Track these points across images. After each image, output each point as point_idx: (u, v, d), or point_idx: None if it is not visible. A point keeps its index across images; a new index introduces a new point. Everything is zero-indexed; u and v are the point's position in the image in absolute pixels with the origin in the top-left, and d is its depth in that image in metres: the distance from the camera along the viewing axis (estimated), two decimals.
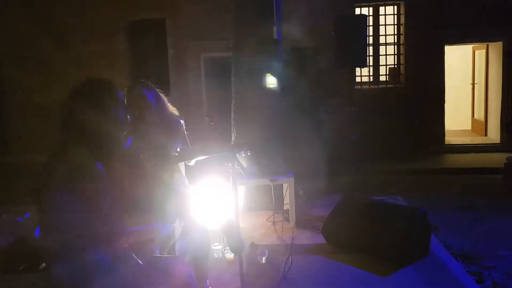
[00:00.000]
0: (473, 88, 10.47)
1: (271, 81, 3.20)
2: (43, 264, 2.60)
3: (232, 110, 5.29)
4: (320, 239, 4.23)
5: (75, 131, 2.06)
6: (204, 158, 3.28)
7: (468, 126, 10.76)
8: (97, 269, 2.08)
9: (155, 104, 3.22)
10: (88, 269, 2.06)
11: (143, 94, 3.19)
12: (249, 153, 4.59)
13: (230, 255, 3.84)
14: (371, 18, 8.80)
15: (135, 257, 2.27)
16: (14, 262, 2.93)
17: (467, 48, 10.44)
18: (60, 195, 1.99)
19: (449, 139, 9.37)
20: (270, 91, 5.08)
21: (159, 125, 3.20)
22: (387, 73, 9.14)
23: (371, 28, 8.76)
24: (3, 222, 5.19)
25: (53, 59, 8.89)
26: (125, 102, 3.13)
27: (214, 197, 4.28)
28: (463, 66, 10.79)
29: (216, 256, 3.86)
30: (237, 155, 2.93)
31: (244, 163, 4.29)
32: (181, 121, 3.42)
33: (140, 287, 2.20)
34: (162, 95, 3.31)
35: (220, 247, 3.92)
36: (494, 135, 9.37)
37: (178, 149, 3.36)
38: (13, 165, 8.24)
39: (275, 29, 4.93)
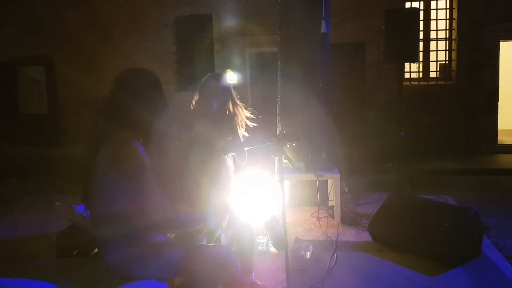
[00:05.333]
0: None
1: (231, 78, 3.18)
2: (96, 249, 2.69)
3: (277, 105, 5.27)
4: (366, 237, 4.16)
5: (114, 118, 2.14)
6: (250, 150, 3.28)
7: None
8: (147, 256, 2.13)
9: (216, 99, 3.25)
10: (138, 255, 2.12)
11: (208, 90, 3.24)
12: (294, 144, 4.58)
13: (274, 249, 3.84)
14: (421, 12, 8.54)
15: (183, 245, 2.31)
16: (68, 247, 3.05)
17: None
18: (107, 180, 2.06)
19: (502, 138, 8.97)
20: (317, 87, 5.03)
21: (212, 119, 3.22)
22: (438, 70, 8.86)
23: (421, 22, 8.50)
24: (57, 209, 5.45)
25: (101, 54, 9.17)
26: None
27: (258, 191, 4.28)
28: None
29: (261, 249, 3.87)
30: (284, 148, 2.91)
31: (290, 156, 4.28)
32: (234, 116, 3.43)
33: (186, 273, 2.25)
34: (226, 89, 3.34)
35: (264, 240, 3.92)
36: None
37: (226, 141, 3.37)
38: (65, 156, 8.57)
39: (323, 23, 4.87)
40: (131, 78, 2.21)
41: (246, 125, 3.44)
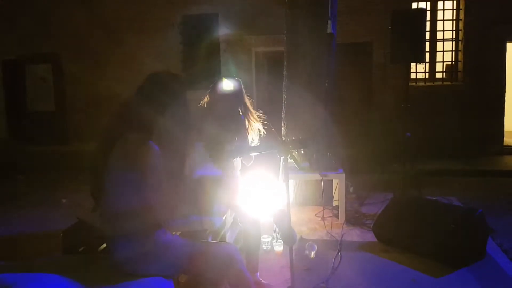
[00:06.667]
0: None
1: (227, 85, 3.16)
2: (103, 246, 2.71)
3: (283, 105, 5.28)
4: (371, 237, 4.17)
5: (129, 121, 2.15)
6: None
7: None
8: (154, 253, 2.16)
9: (225, 103, 3.26)
10: (145, 251, 2.14)
11: (219, 93, 3.26)
12: (302, 152, 4.59)
13: (279, 248, 3.86)
14: (428, 13, 8.51)
15: (189, 242, 2.33)
16: (75, 243, 3.06)
17: None
18: (120, 178, 2.08)
19: (509, 140, 8.93)
20: (322, 87, 5.03)
21: (220, 122, 3.24)
22: (444, 70, 8.83)
23: (428, 23, 8.48)
24: (64, 206, 5.49)
25: (108, 53, 9.21)
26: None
27: (264, 189, 4.29)
28: None
29: (265, 248, 3.88)
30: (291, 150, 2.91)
31: (297, 157, 4.30)
32: (244, 118, 3.45)
33: (192, 270, 2.27)
34: (238, 93, 3.35)
35: (269, 239, 3.94)
36: None
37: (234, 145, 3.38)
38: (73, 154, 8.63)
39: (329, 23, 4.87)
40: (150, 84, 2.22)
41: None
